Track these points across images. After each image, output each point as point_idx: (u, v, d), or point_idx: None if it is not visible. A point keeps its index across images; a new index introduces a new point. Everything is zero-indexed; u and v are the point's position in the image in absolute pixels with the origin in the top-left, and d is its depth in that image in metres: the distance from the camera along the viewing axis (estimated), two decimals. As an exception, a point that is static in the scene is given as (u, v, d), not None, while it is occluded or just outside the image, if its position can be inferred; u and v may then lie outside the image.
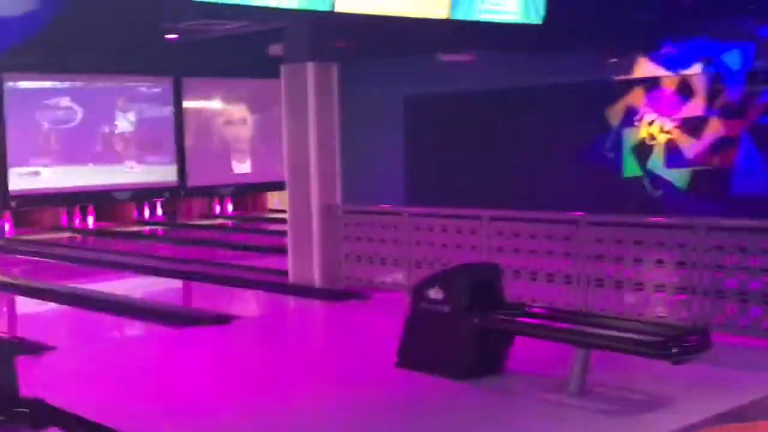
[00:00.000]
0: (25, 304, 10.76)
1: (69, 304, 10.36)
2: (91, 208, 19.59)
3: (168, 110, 19.90)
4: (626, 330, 6.38)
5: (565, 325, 6.65)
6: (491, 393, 6.43)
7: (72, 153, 18.68)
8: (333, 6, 9.31)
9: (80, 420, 5.32)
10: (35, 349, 7.86)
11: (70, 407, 5.88)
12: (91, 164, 18.82)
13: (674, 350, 5.89)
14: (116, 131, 19.23)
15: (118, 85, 19.23)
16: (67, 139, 18.51)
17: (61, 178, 18.65)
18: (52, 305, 10.47)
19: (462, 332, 6.71)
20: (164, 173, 19.72)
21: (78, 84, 18.68)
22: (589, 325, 6.60)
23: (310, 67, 10.51)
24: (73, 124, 18.69)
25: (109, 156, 19.19)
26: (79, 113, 18.71)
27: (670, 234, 7.98)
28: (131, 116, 19.39)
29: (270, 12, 9.20)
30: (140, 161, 19.43)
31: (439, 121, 16.89)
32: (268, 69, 12.87)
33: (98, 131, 19.08)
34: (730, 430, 3.89)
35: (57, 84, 18.49)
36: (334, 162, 10.72)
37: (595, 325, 6.59)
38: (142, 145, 19.43)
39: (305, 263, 10.69)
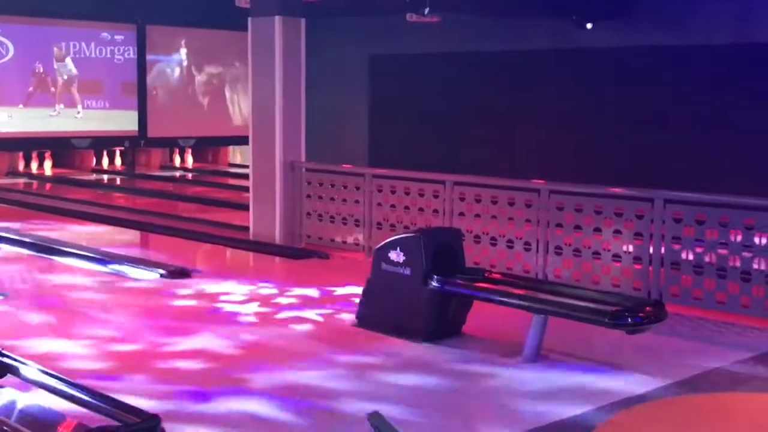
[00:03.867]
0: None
1: (23, 250, 10.29)
2: (48, 155, 19.35)
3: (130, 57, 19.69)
4: (583, 299, 6.47)
5: (523, 292, 6.73)
6: (447, 356, 6.49)
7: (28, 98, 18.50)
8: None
9: (30, 367, 5.25)
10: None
11: (24, 355, 5.84)
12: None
13: (630, 320, 5.98)
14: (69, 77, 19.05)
15: (78, 30, 18.99)
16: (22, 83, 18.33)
17: (18, 122, 18.40)
18: (5, 249, 10.36)
19: (421, 295, 6.76)
20: (126, 122, 19.60)
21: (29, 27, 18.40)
22: (547, 293, 6.69)
23: (278, 21, 10.43)
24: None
25: (67, 100, 19.04)
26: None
27: (629, 205, 8.08)
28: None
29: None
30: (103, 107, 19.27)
31: (405, 81, 16.85)
32: (236, 20, 12.76)
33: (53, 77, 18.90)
34: (690, 400, 3.98)
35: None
36: (300, 119, 10.68)
37: (552, 293, 6.68)
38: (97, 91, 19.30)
39: (266, 220, 10.68)
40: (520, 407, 5.47)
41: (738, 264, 7.45)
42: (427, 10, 12.05)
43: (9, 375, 4.83)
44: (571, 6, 14.44)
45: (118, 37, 19.47)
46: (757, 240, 7.38)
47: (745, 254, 7.42)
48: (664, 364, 6.39)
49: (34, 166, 19.19)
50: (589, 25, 14.57)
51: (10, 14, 17.70)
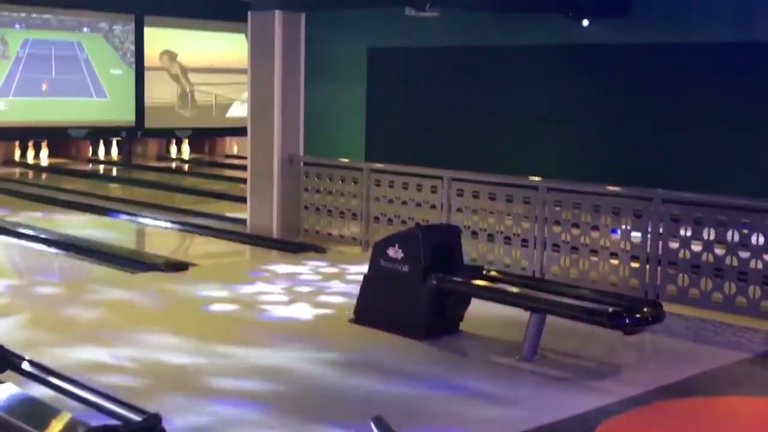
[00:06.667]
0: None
1: (19, 240, 10.29)
2: (45, 144, 19.29)
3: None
4: (581, 298, 6.48)
5: (521, 290, 6.73)
6: (445, 353, 6.51)
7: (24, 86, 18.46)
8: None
9: (30, 363, 5.24)
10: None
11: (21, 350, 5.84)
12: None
13: (628, 321, 5.99)
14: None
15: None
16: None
17: (14, 111, 18.33)
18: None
19: (420, 292, 6.77)
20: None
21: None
22: (545, 292, 6.70)
23: (278, 15, 10.41)
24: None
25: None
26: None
27: (627, 203, 8.09)
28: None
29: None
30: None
31: (403, 76, 16.81)
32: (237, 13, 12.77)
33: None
34: (686, 403, 4.00)
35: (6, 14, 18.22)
36: (299, 113, 10.67)
37: (551, 292, 6.69)
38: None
39: (264, 212, 10.67)
40: (515, 407, 5.48)
41: (735, 264, 7.47)
42: (428, 6, 12.00)
43: (8, 370, 4.82)
44: (568, 2, 14.41)
45: (116, 28, 19.44)
46: (754, 240, 7.40)
47: (742, 254, 7.44)
48: (661, 365, 6.41)
49: (30, 155, 19.14)
50: (585, 22, 14.55)
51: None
